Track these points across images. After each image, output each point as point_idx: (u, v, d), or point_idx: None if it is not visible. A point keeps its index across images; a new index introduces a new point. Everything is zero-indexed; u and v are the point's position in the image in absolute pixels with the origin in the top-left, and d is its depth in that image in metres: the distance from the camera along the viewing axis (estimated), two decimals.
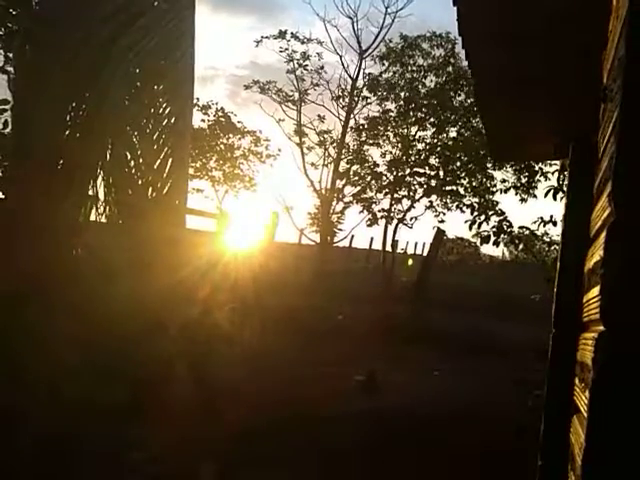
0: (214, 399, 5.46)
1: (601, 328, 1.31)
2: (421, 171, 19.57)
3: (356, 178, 20.33)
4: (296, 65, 21.64)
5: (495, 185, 19.35)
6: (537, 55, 2.82)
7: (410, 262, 20.59)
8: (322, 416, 6.20)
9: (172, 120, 5.27)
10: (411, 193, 19.68)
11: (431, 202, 19.93)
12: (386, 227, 20.33)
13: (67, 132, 4.62)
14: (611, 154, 1.29)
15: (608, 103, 1.45)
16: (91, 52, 4.61)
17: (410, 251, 28.44)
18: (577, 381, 1.62)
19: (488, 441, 5.70)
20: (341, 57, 22.08)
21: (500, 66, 3.10)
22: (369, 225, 20.23)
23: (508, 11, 2.66)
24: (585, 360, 1.45)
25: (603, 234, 1.33)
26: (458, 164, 19.14)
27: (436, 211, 20.05)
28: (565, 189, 7.78)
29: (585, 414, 1.33)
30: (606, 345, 1.27)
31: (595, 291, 1.37)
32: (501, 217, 9.68)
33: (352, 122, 21.46)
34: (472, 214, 9.89)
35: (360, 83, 21.61)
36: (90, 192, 4.60)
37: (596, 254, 1.43)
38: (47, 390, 3.95)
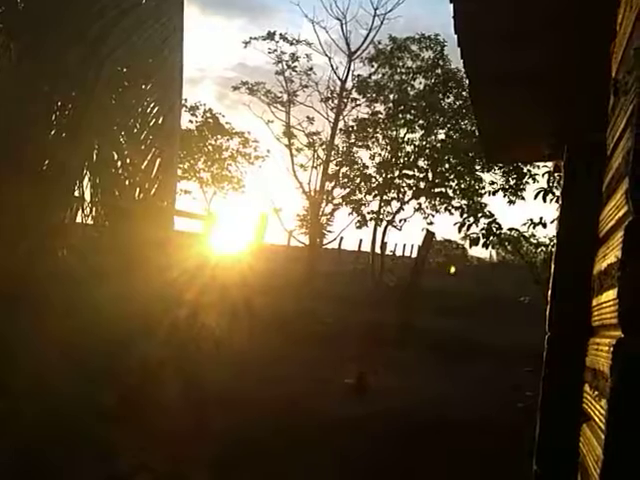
0: (204, 404, 5.37)
1: (618, 334, 1.23)
2: (410, 173, 19.65)
3: (345, 180, 20.33)
4: (285, 66, 21.55)
5: (484, 187, 19.46)
6: (535, 52, 2.76)
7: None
8: (314, 424, 6.12)
9: (160, 120, 5.18)
10: (400, 195, 19.76)
11: (420, 204, 20.03)
12: (375, 229, 20.38)
13: (52, 132, 4.52)
14: (627, 149, 1.22)
15: (620, 96, 1.38)
16: (77, 51, 4.52)
17: (399, 253, 28.47)
18: (588, 388, 1.55)
19: (483, 443, 5.65)
20: (330, 59, 21.87)
21: (496, 64, 3.04)
22: (358, 227, 20.29)
23: (505, 8, 2.61)
24: (599, 367, 1.38)
25: (619, 234, 1.25)
26: (447, 166, 19.20)
27: (425, 213, 20.14)
28: (555, 191, 7.76)
29: (601, 424, 1.26)
30: (625, 352, 1.20)
31: (610, 294, 1.30)
32: (490, 219, 9.69)
33: (341, 124, 21.39)
34: (461, 216, 9.89)
35: (349, 85, 21.55)
36: (76, 193, 4.51)
37: (610, 255, 1.35)
38: (31, 395, 3.85)
